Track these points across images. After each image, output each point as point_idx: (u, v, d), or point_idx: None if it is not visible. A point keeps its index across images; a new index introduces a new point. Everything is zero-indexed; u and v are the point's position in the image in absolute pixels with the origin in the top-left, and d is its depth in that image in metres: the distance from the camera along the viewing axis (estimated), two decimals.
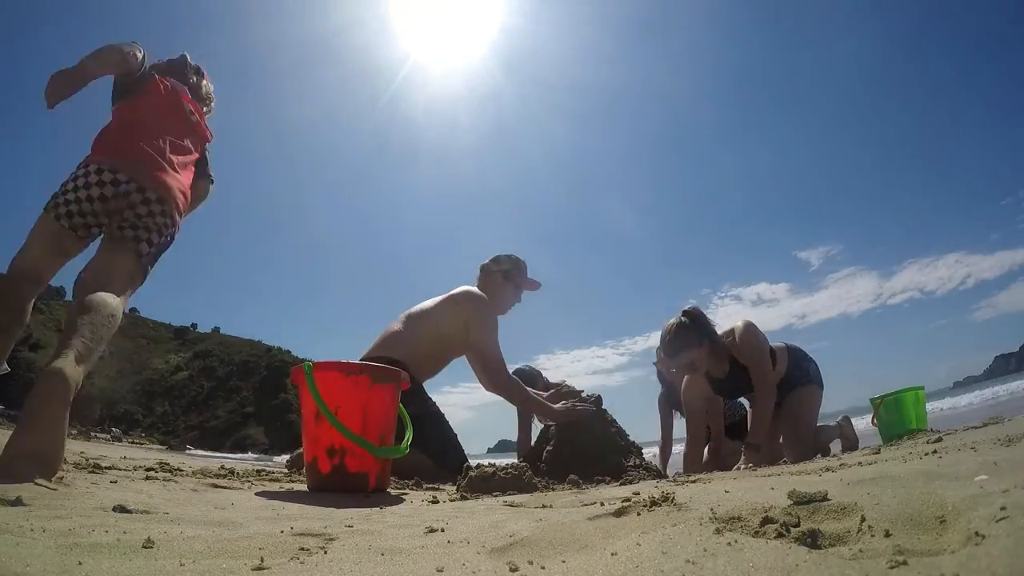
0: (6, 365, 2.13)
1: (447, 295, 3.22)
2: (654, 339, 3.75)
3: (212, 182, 2.67)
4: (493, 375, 3.01)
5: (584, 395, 3.01)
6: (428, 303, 3.24)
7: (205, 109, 2.68)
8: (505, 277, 3.30)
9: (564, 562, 0.80)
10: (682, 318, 3.04)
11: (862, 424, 3.80)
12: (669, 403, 4.34)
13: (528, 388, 3.06)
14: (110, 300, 1.85)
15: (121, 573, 0.73)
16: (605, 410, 2.87)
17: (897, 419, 3.40)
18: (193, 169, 2.47)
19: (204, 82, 2.72)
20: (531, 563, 0.80)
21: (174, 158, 2.32)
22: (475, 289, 3.22)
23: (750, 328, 3.06)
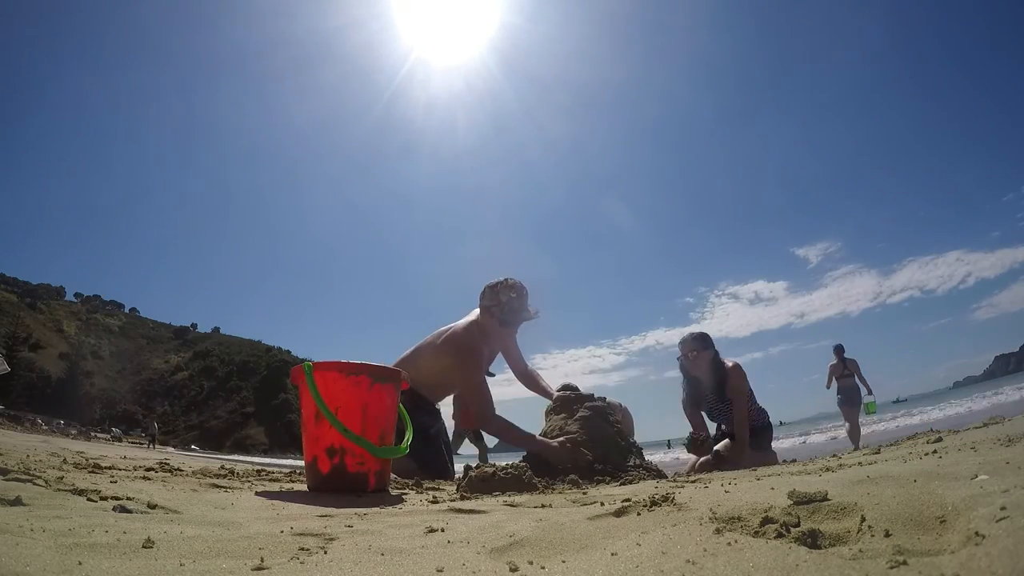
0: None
1: (435, 335, 3.16)
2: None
3: None
4: (480, 418, 3.04)
5: (594, 397, 3.00)
6: (420, 345, 3.18)
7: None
8: (502, 324, 3.17)
9: (564, 562, 0.80)
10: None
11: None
12: (693, 402, 4.09)
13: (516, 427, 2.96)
14: None
15: (121, 573, 0.73)
16: (608, 411, 2.87)
17: None
18: None
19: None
20: (531, 563, 0.81)
21: None
22: (460, 332, 3.10)
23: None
